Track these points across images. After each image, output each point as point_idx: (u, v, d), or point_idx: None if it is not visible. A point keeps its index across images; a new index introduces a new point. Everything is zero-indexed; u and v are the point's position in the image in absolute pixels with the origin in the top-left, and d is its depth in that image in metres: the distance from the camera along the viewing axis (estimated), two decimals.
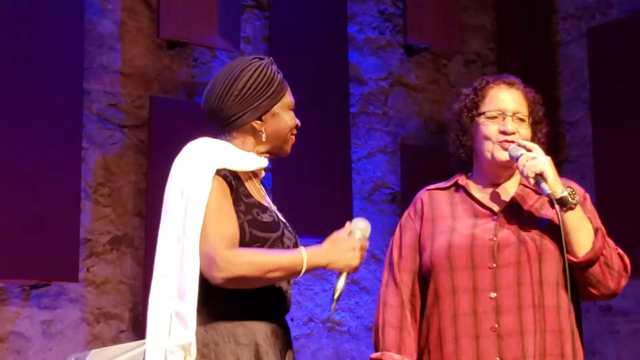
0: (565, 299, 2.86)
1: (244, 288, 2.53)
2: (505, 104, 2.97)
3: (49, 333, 4.82)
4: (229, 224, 2.54)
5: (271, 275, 2.50)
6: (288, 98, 2.78)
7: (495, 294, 2.84)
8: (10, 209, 4.59)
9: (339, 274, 2.57)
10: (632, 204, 5.57)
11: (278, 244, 2.60)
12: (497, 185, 3.01)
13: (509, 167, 2.97)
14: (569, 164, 6.13)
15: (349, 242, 2.58)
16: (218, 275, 2.47)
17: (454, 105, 3.07)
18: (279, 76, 2.77)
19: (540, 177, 2.81)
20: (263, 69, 2.73)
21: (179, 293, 2.51)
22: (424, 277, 2.96)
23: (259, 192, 2.70)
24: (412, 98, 6.13)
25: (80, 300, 4.91)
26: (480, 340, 2.82)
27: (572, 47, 6.26)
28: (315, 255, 2.54)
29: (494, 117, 2.95)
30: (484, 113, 2.97)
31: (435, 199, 3.04)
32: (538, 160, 2.83)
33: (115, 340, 4.90)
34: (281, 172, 5.34)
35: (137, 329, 4.96)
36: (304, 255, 2.52)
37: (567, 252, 2.84)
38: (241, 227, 2.57)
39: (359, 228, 2.62)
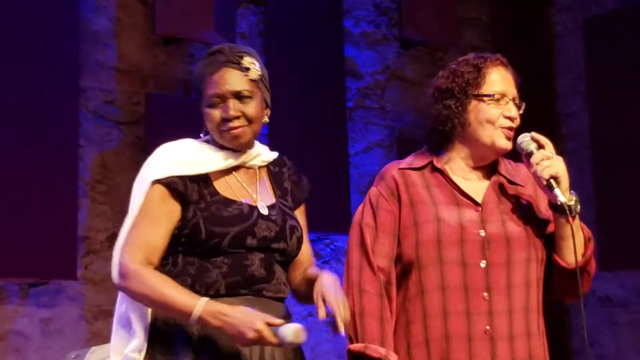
0: (539, 300, 2.81)
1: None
2: (506, 87, 2.83)
3: (48, 331, 4.82)
4: (150, 233, 2.54)
5: (160, 309, 2.52)
6: (207, 92, 2.64)
7: (487, 295, 2.72)
8: (7, 208, 4.58)
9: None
10: (630, 196, 5.57)
11: (243, 235, 2.56)
12: (476, 169, 2.86)
13: (502, 154, 2.85)
14: (566, 156, 6.09)
15: (254, 322, 2.40)
16: (118, 281, 2.58)
17: (442, 80, 2.87)
18: (204, 68, 2.67)
19: (554, 180, 2.71)
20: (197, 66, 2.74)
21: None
22: (404, 267, 2.78)
23: (234, 186, 2.66)
24: (408, 92, 6.12)
25: (79, 298, 4.91)
26: (473, 342, 2.71)
27: (568, 39, 6.26)
28: (213, 315, 2.43)
29: (497, 100, 2.81)
30: (488, 95, 2.80)
31: (409, 181, 2.83)
32: (554, 162, 2.73)
33: None
34: None
35: None
36: (199, 308, 2.44)
37: (559, 256, 2.79)
38: (197, 225, 2.54)
39: (292, 337, 2.40)
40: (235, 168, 2.68)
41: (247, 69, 2.64)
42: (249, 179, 2.70)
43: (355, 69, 6.00)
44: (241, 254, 2.57)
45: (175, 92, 5.33)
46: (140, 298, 2.53)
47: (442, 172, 2.84)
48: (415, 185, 2.83)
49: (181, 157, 2.63)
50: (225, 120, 2.61)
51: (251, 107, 2.63)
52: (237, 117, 2.61)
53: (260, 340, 2.38)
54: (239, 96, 2.62)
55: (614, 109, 5.71)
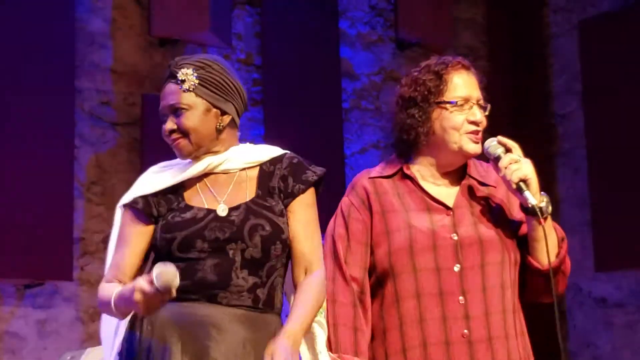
0: (516, 302, 2.81)
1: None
2: (470, 91, 2.81)
3: (44, 332, 4.82)
4: (119, 255, 2.66)
5: (104, 309, 2.59)
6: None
7: (463, 299, 2.72)
8: (2, 209, 4.58)
9: None
10: (625, 196, 5.58)
11: (191, 239, 2.55)
12: (445, 174, 2.85)
13: (472, 158, 2.84)
14: (561, 157, 6.14)
15: (135, 284, 2.41)
16: None
17: (405, 89, 2.86)
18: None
19: (523, 183, 2.71)
20: None
21: None
22: (379, 276, 2.78)
23: (203, 193, 2.66)
24: None
25: (74, 299, 4.90)
26: (451, 347, 2.70)
27: (563, 40, 6.26)
28: (119, 298, 2.50)
29: (461, 106, 2.79)
30: (450, 102, 2.79)
31: (380, 190, 2.84)
32: (522, 165, 2.73)
33: None
34: None
35: None
36: (114, 295, 2.52)
37: (533, 258, 2.78)
38: (155, 236, 2.62)
39: (159, 282, 2.38)
40: (207, 175, 2.67)
41: (183, 81, 2.64)
42: (223, 182, 2.68)
43: (351, 70, 6.00)
44: (193, 260, 2.55)
45: None
46: (100, 309, 2.63)
47: (412, 179, 2.84)
48: (386, 194, 2.83)
49: (151, 176, 2.72)
50: (169, 131, 2.65)
51: (185, 119, 2.63)
52: (173, 131, 2.64)
53: (146, 296, 2.37)
54: (173, 110, 2.65)
55: (609, 109, 5.72)
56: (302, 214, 2.68)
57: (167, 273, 2.35)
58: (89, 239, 4.98)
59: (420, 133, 2.81)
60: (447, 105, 2.80)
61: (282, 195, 2.67)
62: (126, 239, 2.65)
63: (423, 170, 2.86)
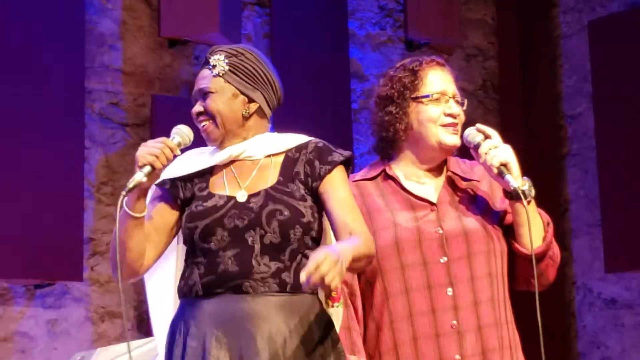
0: (505, 291, 2.82)
1: (128, 274, 2.64)
2: (445, 86, 2.86)
3: (54, 332, 4.83)
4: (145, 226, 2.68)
5: (120, 234, 2.61)
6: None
7: (451, 290, 2.75)
8: (13, 209, 4.60)
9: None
10: (635, 197, 5.57)
11: (212, 227, 2.56)
12: (428, 170, 2.88)
13: (452, 151, 2.88)
14: (571, 158, 6.13)
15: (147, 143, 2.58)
16: None
17: (382, 88, 2.93)
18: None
19: (504, 167, 2.73)
20: None
21: None
22: (368, 276, 2.80)
23: (228, 180, 2.66)
24: None
25: (84, 299, 4.92)
26: (441, 338, 2.73)
27: (573, 40, 6.26)
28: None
29: (436, 100, 2.84)
30: (425, 96, 2.84)
31: (364, 192, 2.88)
32: (501, 149, 2.75)
33: (120, 339, 4.90)
34: None
35: (142, 327, 4.96)
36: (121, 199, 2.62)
37: (519, 244, 2.79)
38: (182, 225, 2.64)
39: (179, 134, 2.62)
40: (233, 161, 2.68)
41: (214, 66, 2.70)
42: (247, 169, 2.68)
43: (360, 70, 6.01)
44: (214, 252, 2.55)
45: (181, 94, 5.34)
46: (118, 258, 2.59)
47: (394, 179, 2.88)
48: (370, 195, 2.87)
49: (183, 160, 2.71)
50: (196, 114, 2.70)
51: (211, 102, 2.67)
52: (201, 113, 2.69)
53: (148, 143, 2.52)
54: (203, 93, 2.69)
55: (619, 110, 5.71)
56: (334, 192, 2.64)
57: (177, 132, 2.62)
58: (99, 239, 5.00)
59: (398, 129, 2.86)
60: (423, 99, 2.84)
61: (309, 179, 2.66)
62: (149, 215, 2.64)
63: (405, 169, 2.90)
